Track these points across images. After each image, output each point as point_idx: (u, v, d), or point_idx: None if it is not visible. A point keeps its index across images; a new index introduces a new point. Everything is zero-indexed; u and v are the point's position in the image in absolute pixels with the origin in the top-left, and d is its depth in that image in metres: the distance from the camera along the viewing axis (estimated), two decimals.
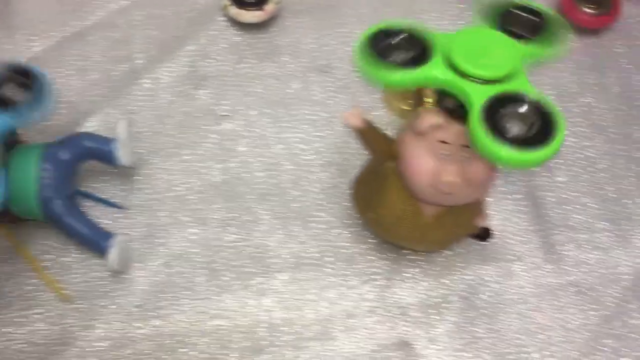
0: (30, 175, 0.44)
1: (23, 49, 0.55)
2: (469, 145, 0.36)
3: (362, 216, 0.45)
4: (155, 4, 0.59)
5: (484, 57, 0.34)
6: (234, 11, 0.56)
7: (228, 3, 0.57)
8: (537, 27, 0.37)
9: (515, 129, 0.32)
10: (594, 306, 0.46)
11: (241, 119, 0.53)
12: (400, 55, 0.35)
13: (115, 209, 0.49)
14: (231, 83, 0.55)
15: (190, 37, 0.57)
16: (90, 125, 0.52)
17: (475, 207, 0.42)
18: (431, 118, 0.36)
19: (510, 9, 0.37)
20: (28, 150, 0.45)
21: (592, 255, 0.48)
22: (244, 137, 0.53)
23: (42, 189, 0.44)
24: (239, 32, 0.58)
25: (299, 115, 0.54)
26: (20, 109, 0.40)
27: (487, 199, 0.44)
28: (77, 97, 0.54)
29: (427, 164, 0.37)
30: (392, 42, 0.35)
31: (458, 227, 0.42)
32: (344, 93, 0.54)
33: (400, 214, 0.41)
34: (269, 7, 0.57)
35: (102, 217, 0.48)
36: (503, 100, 0.33)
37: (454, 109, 0.35)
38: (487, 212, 0.45)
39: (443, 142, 0.36)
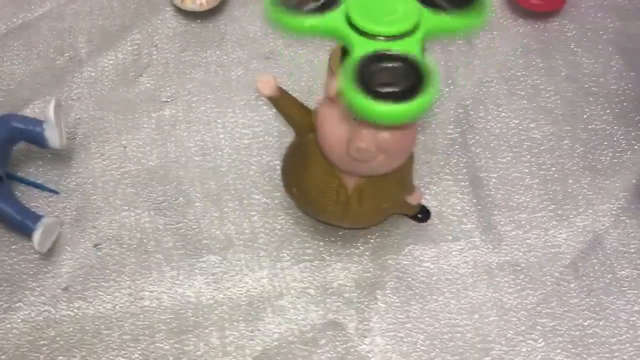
0: None
1: None
2: None
3: (288, 193, 0.44)
4: None
5: (379, 13, 0.33)
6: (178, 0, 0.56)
7: None
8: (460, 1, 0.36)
9: (385, 85, 0.31)
10: (532, 285, 0.45)
11: (182, 105, 0.53)
12: (310, 5, 0.34)
13: (49, 193, 0.48)
14: (174, 70, 0.55)
15: (136, 27, 0.57)
16: (30, 112, 0.52)
17: (401, 181, 0.41)
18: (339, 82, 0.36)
19: None
20: None
21: (532, 235, 0.47)
22: (184, 122, 0.52)
23: None
24: (185, 21, 0.58)
25: (241, 100, 0.53)
26: None
27: (416, 178, 0.43)
28: (19, 85, 0.54)
29: (340, 130, 0.36)
30: None
31: (382, 200, 0.41)
32: (288, 79, 0.54)
33: (322, 188, 0.40)
34: None
35: (34, 200, 0.48)
36: (378, 58, 0.32)
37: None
38: (418, 189, 0.44)
39: None
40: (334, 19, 0.34)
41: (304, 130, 0.40)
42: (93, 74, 0.55)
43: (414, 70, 0.31)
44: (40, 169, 0.49)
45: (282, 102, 0.39)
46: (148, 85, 0.54)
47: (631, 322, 0.43)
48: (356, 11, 0.33)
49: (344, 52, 0.35)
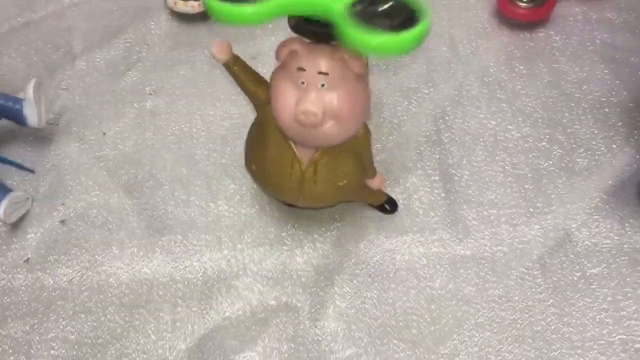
0: None
1: None
2: (327, 73, 0.35)
3: (248, 170, 0.44)
4: (105, 2, 0.62)
5: None
6: (171, 1, 0.59)
7: None
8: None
9: (380, 22, 0.32)
10: (495, 279, 0.43)
11: (165, 97, 0.54)
12: None
13: (25, 172, 0.50)
14: (161, 66, 0.57)
15: (131, 27, 0.60)
16: None
17: (357, 159, 0.41)
18: (287, 43, 0.36)
19: None
20: None
21: (500, 230, 0.46)
22: (165, 112, 0.53)
23: None
24: (177, 23, 0.60)
25: (222, 95, 0.54)
26: None
27: (386, 172, 0.43)
28: (13, 75, 0.56)
29: (288, 93, 0.36)
30: None
31: (337, 177, 0.40)
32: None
33: (277, 162, 0.40)
34: None
35: (10, 178, 0.49)
36: (366, 2, 0.33)
37: (314, 32, 0.35)
38: (381, 175, 0.43)
39: (301, 69, 0.36)
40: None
41: (260, 100, 0.40)
42: (84, 67, 0.57)
43: (405, 9, 0.32)
44: (20, 150, 0.51)
45: (238, 69, 0.39)
46: (135, 79, 0.56)
47: (598, 320, 0.41)
48: None
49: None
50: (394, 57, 0.34)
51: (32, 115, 0.48)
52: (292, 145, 0.39)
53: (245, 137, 0.50)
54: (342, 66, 0.36)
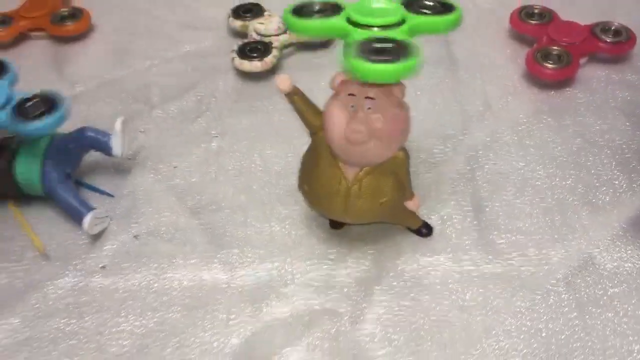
0: (39, 153, 0.54)
1: (67, 89, 0.68)
2: (373, 98, 0.42)
3: (300, 190, 0.50)
4: (179, 62, 0.72)
5: (372, 13, 0.41)
6: (238, 61, 0.68)
7: (234, 55, 0.68)
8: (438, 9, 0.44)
9: (379, 55, 0.39)
10: (522, 293, 0.47)
11: (228, 139, 0.62)
12: (317, 14, 0.43)
13: (105, 196, 0.57)
14: (227, 115, 0.65)
15: (202, 84, 0.69)
16: None
17: (396, 179, 0.46)
18: (340, 75, 0.43)
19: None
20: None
21: (527, 252, 0.50)
22: (228, 152, 0.61)
23: (45, 164, 0.53)
24: (242, 80, 0.68)
25: (278, 137, 0.61)
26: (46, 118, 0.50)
27: (422, 202, 0.48)
28: (101, 120, 0.64)
29: (340, 116, 0.43)
30: (313, 9, 0.44)
31: (379, 194, 0.46)
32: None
33: (327, 180, 0.46)
34: (268, 60, 0.67)
35: (93, 200, 0.56)
36: (372, 40, 0.40)
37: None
38: (418, 197, 0.49)
39: (351, 95, 0.43)
40: (337, 21, 0.42)
41: (315, 127, 0.47)
42: (161, 115, 0.65)
43: (401, 47, 0.39)
44: (102, 178, 0.58)
45: (297, 99, 0.46)
46: (203, 124, 0.64)
47: (619, 331, 0.44)
48: (355, 12, 0.42)
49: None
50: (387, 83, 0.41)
51: (117, 146, 0.56)
52: (340, 165, 0.46)
53: (296, 172, 0.57)
54: (386, 93, 0.43)
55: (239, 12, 0.74)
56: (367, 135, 0.43)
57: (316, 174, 0.47)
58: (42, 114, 0.50)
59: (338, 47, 0.70)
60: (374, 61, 0.39)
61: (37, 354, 0.46)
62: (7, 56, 0.74)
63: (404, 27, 0.41)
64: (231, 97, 0.67)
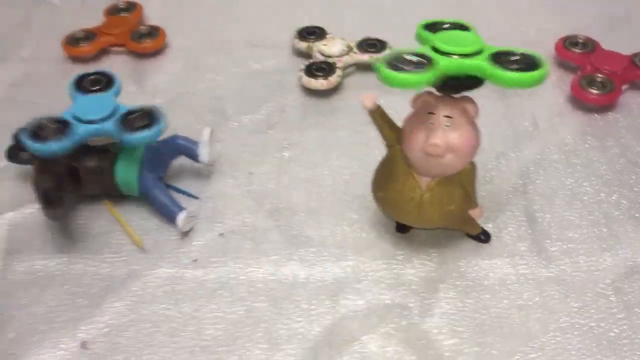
0: (136, 158, 0.60)
1: (148, 100, 0.75)
2: (451, 116, 0.48)
3: (374, 198, 0.55)
4: (248, 78, 0.78)
5: (455, 42, 0.48)
6: (305, 79, 0.74)
7: (301, 74, 0.75)
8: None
9: (512, 66, 0.46)
10: (574, 295, 0.52)
11: (298, 150, 0.68)
12: (413, 67, 0.47)
13: (191, 198, 0.63)
14: (295, 128, 0.71)
15: (271, 99, 0.75)
16: None
17: (464, 188, 0.52)
18: (420, 96, 0.49)
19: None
20: None
21: (578, 259, 0.55)
22: (298, 161, 0.67)
23: (142, 167, 0.60)
24: (309, 97, 0.75)
25: (345, 151, 0.67)
26: (146, 132, 0.56)
27: (479, 205, 0.54)
28: (180, 131, 0.71)
29: (419, 132, 0.49)
30: (407, 59, 0.48)
31: (449, 202, 0.52)
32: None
33: (402, 189, 0.52)
34: (332, 79, 0.74)
35: (180, 201, 0.62)
36: (498, 56, 0.47)
37: (443, 86, 0.48)
38: (481, 207, 0.54)
39: (431, 113, 0.49)
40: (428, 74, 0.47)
41: (392, 140, 0.53)
42: (235, 126, 0.71)
43: (531, 61, 0.47)
44: (188, 182, 0.65)
45: (378, 115, 0.52)
46: (274, 136, 0.70)
47: None
48: (439, 41, 0.48)
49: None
50: (525, 89, 0.47)
51: (204, 153, 0.62)
52: (415, 175, 0.51)
53: (362, 181, 0.63)
54: (461, 112, 0.49)
55: (304, 34, 0.81)
56: (444, 149, 0.48)
57: (392, 182, 0.53)
58: (145, 126, 0.56)
59: None
60: (512, 70, 0.45)
61: (142, 333, 0.52)
62: (90, 69, 0.82)
63: (481, 56, 0.47)
64: (298, 111, 0.73)
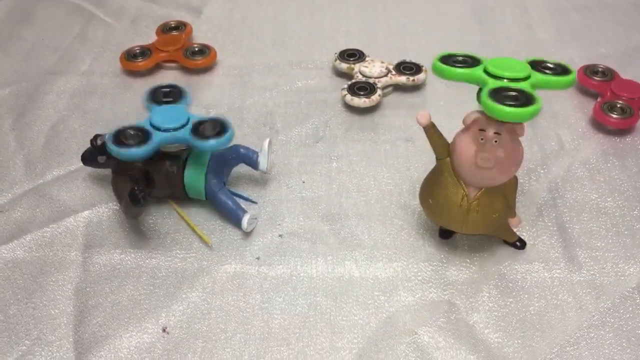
0: (203, 165, 0.66)
1: (202, 113, 0.81)
2: (499, 133, 0.54)
3: (423, 205, 0.62)
4: (293, 95, 0.84)
5: (505, 68, 0.54)
6: (348, 97, 0.80)
7: (345, 92, 0.81)
8: (557, 71, 0.57)
9: (507, 101, 0.52)
10: (604, 297, 0.59)
11: (345, 162, 0.74)
12: (460, 64, 0.56)
13: (250, 202, 0.69)
14: (340, 142, 0.77)
15: (316, 115, 0.81)
16: None
17: (506, 199, 0.58)
18: (472, 114, 0.56)
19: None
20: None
21: (606, 266, 0.61)
22: (346, 172, 0.73)
23: (208, 173, 0.66)
24: (352, 114, 0.81)
25: (388, 164, 0.74)
26: (218, 139, 0.62)
27: (519, 218, 0.60)
28: (236, 141, 0.77)
29: (470, 147, 0.55)
30: (456, 59, 0.57)
31: (493, 210, 0.58)
32: (420, 154, 0.74)
33: (451, 196, 0.58)
34: (374, 97, 0.80)
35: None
36: (502, 89, 0.53)
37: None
38: (519, 217, 0.61)
39: (482, 130, 0.55)
40: (477, 71, 0.55)
41: (442, 154, 0.59)
42: (284, 139, 0.78)
43: (525, 96, 0.52)
44: (247, 188, 0.71)
45: (432, 131, 0.59)
46: (322, 149, 0.76)
47: None
48: (491, 66, 0.54)
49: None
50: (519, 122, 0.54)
51: (263, 162, 0.68)
52: (463, 185, 0.58)
53: (404, 191, 0.69)
54: (510, 130, 0.55)
55: (344, 56, 0.87)
56: (493, 162, 0.55)
57: (442, 190, 0.59)
58: (216, 134, 0.62)
59: (427, 89, 0.84)
60: (508, 105, 0.51)
61: (216, 321, 0.57)
62: (145, 82, 0.88)
63: (528, 81, 0.54)
64: (342, 127, 0.79)
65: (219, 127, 0.63)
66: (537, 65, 0.56)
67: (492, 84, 0.54)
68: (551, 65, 0.57)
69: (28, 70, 0.89)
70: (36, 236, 0.65)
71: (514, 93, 0.53)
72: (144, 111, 0.67)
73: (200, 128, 0.63)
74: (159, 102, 0.67)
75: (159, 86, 0.68)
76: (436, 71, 0.57)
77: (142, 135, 0.61)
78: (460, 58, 0.57)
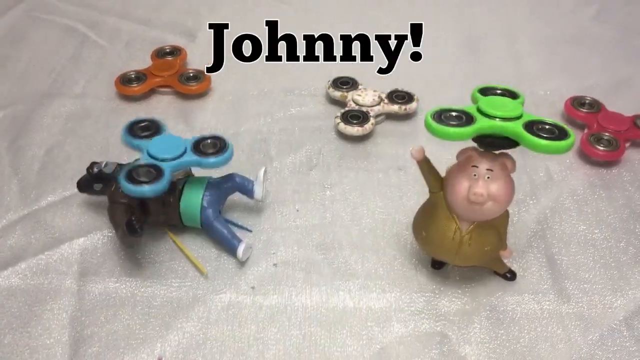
0: (199, 193, 0.67)
1: None
2: (492, 169, 0.56)
3: (416, 237, 0.63)
4: (287, 122, 0.85)
5: (498, 108, 0.56)
6: (342, 126, 0.82)
7: (338, 121, 0.82)
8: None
9: (543, 134, 0.54)
10: (592, 329, 0.60)
11: (338, 191, 0.75)
12: (455, 121, 0.56)
13: (245, 230, 0.70)
14: (334, 170, 0.78)
15: (309, 142, 0.82)
16: None
17: (498, 233, 0.59)
18: (465, 150, 0.57)
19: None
20: (200, 179, 0.68)
21: (593, 298, 0.63)
22: (339, 201, 0.74)
23: (204, 201, 0.66)
24: (344, 142, 0.82)
25: (379, 192, 0.75)
26: (216, 158, 0.64)
27: (511, 251, 0.62)
28: (227, 167, 0.78)
29: (463, 182, 0.57)
30: (449, 115, 0.57)
31: (485, 243, 0.59)
32: (413, 183, 0.75)
33: (444, 230, 0.59)
34: (367, 126, 0.81)
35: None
36: (531, 124, 0.55)
37: (484, 143, 0.56)
38: (510, 249, 0.62)
39: (475, 166, 0.56)
40: (478, 126, 0.56)
41: (436, 187, 0.60)
42: (278, 166, 0.79)
43: (560, 131, 0.55)
44: (240, 216, 0.71)
45: (425, 165, 0.60)
46: (315, 177, 0.77)
47: None
48: (484, 105, 0.56)
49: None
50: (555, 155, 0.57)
51: (258, 191, 0.69)
52: (456, 218, 0.59)
53: (396, 221, 0.70)
54: (501, 166, 0.56)
55: (337, 84, 0.89)
56: (486, 197, 0.56)
57: (435, 223, 0.60)
58: (216, 152, 0.64)
59: (419, 118, 0.85)
60: (545, 138, 0.54)
61: (212, 351, 0.58)
62: (140, 107, 0.89)
63: (519, 122, 0.55)
64: (336, 155, 0.81)
65: (217, 144, 0.65)
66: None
67: (482, 122, 0.55)
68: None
69: (22, 92, 0.90)
70: (31, 263, 0.65)
71: (548, 126, 0.55)
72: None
73: (200, 148, 0.64)
74: (137, 137, 0.66)
75: (136, 121, 0.68)
76: (429, 130, 0.57)
77: (154, 170, 0.61)
78: (455, 114, 0.57)
